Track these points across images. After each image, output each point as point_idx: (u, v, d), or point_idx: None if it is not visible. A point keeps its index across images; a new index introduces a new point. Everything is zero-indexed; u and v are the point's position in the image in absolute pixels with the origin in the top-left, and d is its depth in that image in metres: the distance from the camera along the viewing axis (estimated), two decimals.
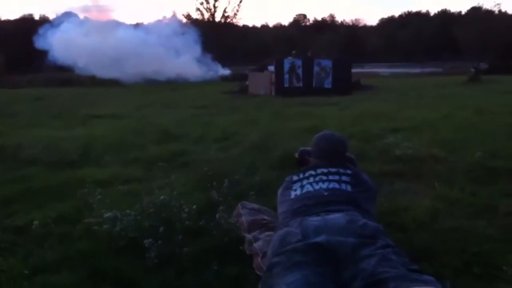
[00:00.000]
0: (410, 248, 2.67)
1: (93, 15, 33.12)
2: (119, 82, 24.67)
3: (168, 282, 2.52)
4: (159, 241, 2.82)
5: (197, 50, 29.61)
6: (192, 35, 30.31)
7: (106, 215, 3.11)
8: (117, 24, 31.62)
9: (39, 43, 26.67)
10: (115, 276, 2.57)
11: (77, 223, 3.32)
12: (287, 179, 2.82)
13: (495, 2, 66.63)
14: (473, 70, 22.14)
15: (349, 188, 2.55)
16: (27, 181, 4.66)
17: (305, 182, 2.64)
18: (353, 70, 19.31)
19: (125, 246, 2.88)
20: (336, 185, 2.56)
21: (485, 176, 4.45)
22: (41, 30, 27.75)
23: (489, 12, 48.49)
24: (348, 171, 2.68)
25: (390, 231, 2.57)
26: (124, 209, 3.17)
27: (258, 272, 2.47)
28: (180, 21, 38.13)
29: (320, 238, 2.12)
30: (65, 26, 28.42)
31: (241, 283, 2.50)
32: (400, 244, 2.23)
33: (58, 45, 26.15)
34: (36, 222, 3.18)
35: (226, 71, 30.95)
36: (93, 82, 25.21)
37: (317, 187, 2.57)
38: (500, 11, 48.76)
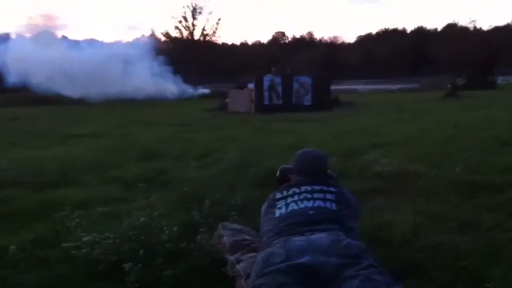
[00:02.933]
0: (394, 264, 2.65)
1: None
2: (85, 101, 24.27)
3: None
4: (140, 265, 2.75)
5: (154, 65, 29.27)
6: (147, 50, 29.91)
7: (84, 238, 3.03)
8: (66, 40, 30.48)
9: None
10: None
11: (55, 246, 3.23)
12: (270, 196, 2.78)
13: (470, 19, 67.95)
14: (449, 85, 22.57)
15: (334, 206, 2.53)
16: (5, 203, 4.56)
17: (289, 200, 2.61)
18: (332, 87, 19.46)
19: (104, 270, 2.81)
20: (321, 203, 2.53)
21: (466, 190, 4.47)
22: None
23: (465, 29, 49.42)
24: (332, 189, 2.65)
25: (373, 248, 2.54)
26: (103, 232, 3.10)
27: None
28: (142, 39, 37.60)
29: (304, 259, 2.09)
30: (15, 42, 27.13)
31: None
32: (384, 261, 2.21)
33: (12, 62, 24.42)
34: (13, 247, 3.09)
35: (187, 88, 30.50)
36: (71, 101, 24.77)
37: (302, 205, 2.53)
38: (475, 27, 49.70)
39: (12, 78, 24.34)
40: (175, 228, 3.21)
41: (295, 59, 51.30)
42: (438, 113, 13.54)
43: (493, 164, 5.50)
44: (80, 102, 24.29)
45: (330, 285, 1.98)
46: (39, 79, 24.31)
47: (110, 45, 32.15)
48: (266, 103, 17.42)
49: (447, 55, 41.97)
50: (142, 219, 3.26)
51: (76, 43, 29.45)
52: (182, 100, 26.60)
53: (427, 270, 2.75)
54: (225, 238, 3.07)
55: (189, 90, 30.18)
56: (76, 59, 25.96)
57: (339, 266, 2.03)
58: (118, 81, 26.04)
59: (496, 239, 3.23)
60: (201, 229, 3.22)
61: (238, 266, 2.66)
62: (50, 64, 24.81)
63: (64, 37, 36.23)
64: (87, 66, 25.55)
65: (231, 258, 2.80)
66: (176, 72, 29.93)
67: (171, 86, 29.34)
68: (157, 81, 28.54)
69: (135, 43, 31.91)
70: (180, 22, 47.00)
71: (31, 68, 24.44)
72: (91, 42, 30.96)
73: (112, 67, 26.76)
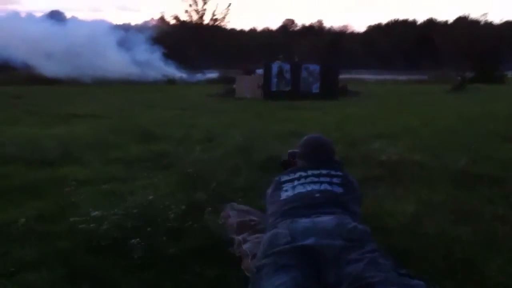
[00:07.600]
0: (394, 253, 2.65)
1: None
2: (85, 81, 24.30)
3: (148, 283, 2.48)
4: (144, 242, 2.77)
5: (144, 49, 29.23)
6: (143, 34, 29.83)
7: (93, 214, 3.05)
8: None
9: None
10: (94, 276, 2.52)
11: (58, 221, 3.25)
12: (275, 179, 2.80)
13: (482, 12, 67.37)
14: (459, 78, 22.55)
15: (340, 190, 2.55)
16: (6, 179, 4.56)
17: (296, 183, 2.63)
18: (340, 76, 19.42)
19: (107, 246, 2.83)
20: (328, 187, 2.55)
21: (468, 182, 4.46)
22: None
23: (475, 22, 49.08)
24: (339, 173, 2.67)
25: (374, 235, 2.55)
26: (108, 209, 3.12)
27: (247, 274, 2.45)
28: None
29: (308, 241, 2.10)
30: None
31: (222, 285, 2.47)
32: (384, 248, 2.22)
33: None
34: (22, 220, 3.11)
35: (191, 72, 30.36)
36: (74, 81, 24.74)
37: (309, 188, 2.55)
38: (486, 21, 49.37)
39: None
40: (183, 207, 3.23)
41: (301, 46, 51.04)
42: (444, 105, 13.50)
43: (495, 158, 5.49)
44: (81, 83, 24.26)
45: (333, 267, 1.98)
46: (17, 56, 24.29)
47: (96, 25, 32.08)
48: (274, 89, 17.41)
49: (454, 48, 41.65)
50: (150, 197, 3.29)
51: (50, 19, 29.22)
52: (189, 85, 26.50)
53: (425, 260, 2.74)
54: (232, 218, 3.10)
55: (197, 75, 30.12)
56: (53, 36, 25.91)
57: (343, 249, 2.04)
58: (93, 61, 25.92)
59: (496, 231, 3.23)
60: (208, 209, 3.25)
61: (244, 246, 2.68)
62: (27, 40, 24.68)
63: (74, 17, 36.20)
64: (62, 44, 25.41)
65: (238, 238, 2.82)
66: (183, 56, 29.92)
67: (174, 70, 29.28)
68: (158, 65, 28.52)
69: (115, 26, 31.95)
70: (191, 5, 46.93)
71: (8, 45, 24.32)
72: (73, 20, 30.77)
73: (89, 47, 26.64)
